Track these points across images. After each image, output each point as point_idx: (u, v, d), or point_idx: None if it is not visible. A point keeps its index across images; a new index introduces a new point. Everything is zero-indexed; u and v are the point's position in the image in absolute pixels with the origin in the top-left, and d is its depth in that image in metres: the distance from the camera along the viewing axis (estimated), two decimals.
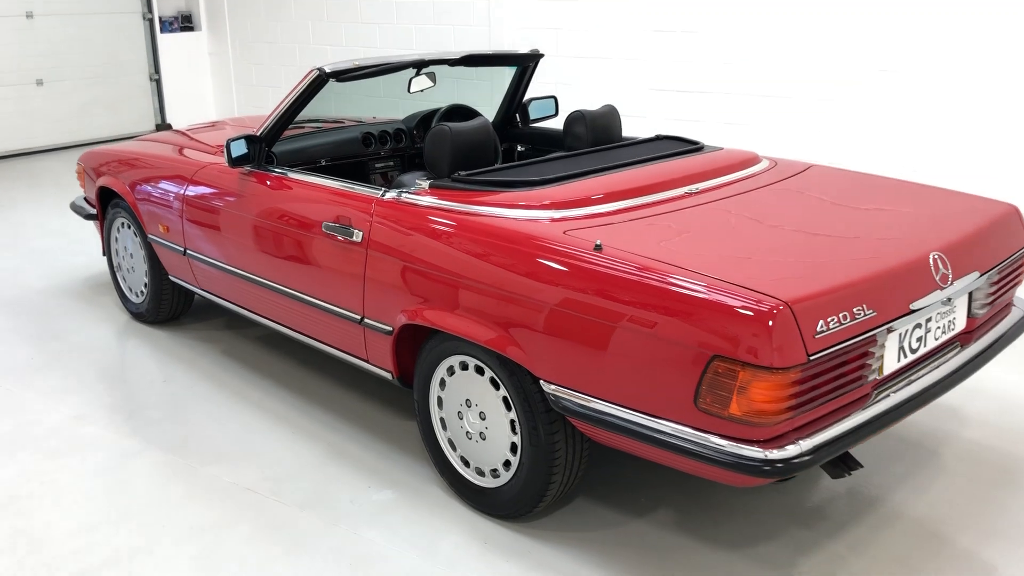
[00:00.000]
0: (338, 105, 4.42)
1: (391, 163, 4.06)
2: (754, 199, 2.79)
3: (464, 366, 2.66)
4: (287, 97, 3.26)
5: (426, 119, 4.12)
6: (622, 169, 2.92)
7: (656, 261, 2.19)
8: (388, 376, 2.93)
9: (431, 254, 2.62)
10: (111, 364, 3.86)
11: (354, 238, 2.85)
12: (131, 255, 4.19)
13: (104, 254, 4.43)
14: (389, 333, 2.80)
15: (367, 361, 3.00)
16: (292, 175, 3.26)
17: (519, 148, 4.24)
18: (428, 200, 2.75)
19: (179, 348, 3.97)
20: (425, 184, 2.83)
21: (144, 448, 3.13)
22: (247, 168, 3.38)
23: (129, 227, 4.14)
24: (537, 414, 2.44)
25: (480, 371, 2.60)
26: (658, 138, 3.46)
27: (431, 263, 2.60)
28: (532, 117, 4.29)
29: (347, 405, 3.42)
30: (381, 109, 5.03)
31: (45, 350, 3.99)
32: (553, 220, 2.50)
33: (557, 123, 4.35)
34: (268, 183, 3.29)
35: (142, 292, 4.19)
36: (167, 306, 4.12)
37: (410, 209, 2.75)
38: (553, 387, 2.34)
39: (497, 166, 2.98)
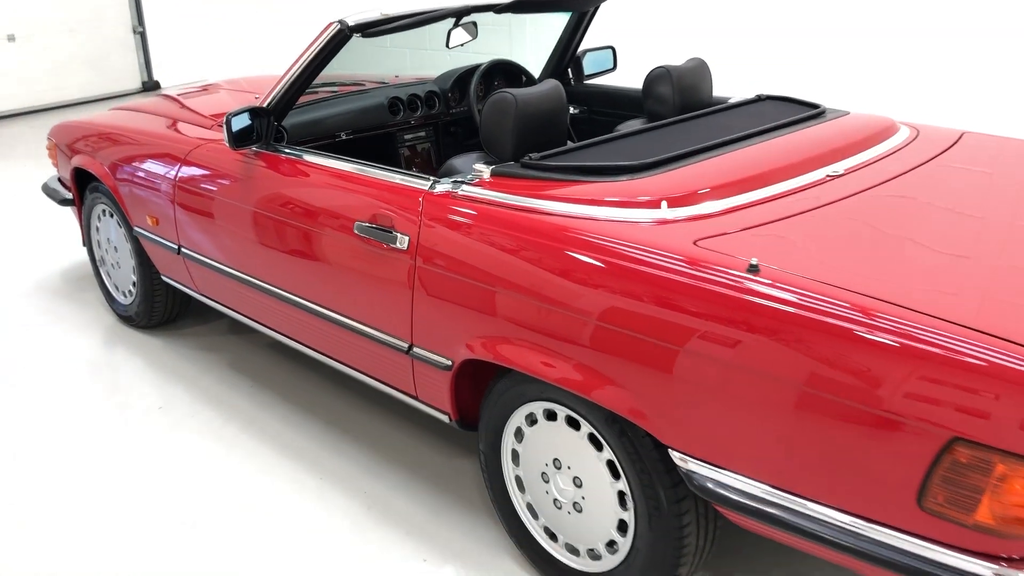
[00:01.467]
0: (354, 62, 3.71)
1: (422, 133, 3.38)
2: (923, 182, 2.13)
3: (551, 415, 2.02)
4: (300, 59, 2.57)
5: (462, 79, 3.44)
6: (735, 146, 2.25)
7: (849, 292, 1.54)
8: (444, 419, 2.30)
9: (504, 269, 1.96)
10: (93, 384, 3.22)
11: (398, 244, 2.19)
12: (116, 248, 3.53)
13: (84, 245, 3.77)
14: (447, 368, 2.16)
15: (415, 398, 2.37)
16: (309, 157, 2.59)
17: (572, 109, 3.54)
18: (493, 195, 2.08)
19: (177, 361, 3.33)
20: (486, 172, 2.17)
21: (132, 509, 2.51)
22: (253, 149, 2.71)
23: (112, 215, 3.47)
24: (660, 488, 1.81)
25: (574, 424, 1.97)
26: (762, 99, 2.78)
27: (505, 281, 1.95)
28: (587, 72, 3.61)
29: (386, 438, 2.79)
30: (400, 66, 4.33)
31: (10, 363, 3.35)
32: (671, 223, 1.85)
33: (614, 79, 3.66)
34: (280, 169, 2.62)
35: (130, 292, 3.54)
36: (161, 308, 3.48)
37: (471, 207, 2.09)
38: (691, 462, 1.71)
39: (574, 145, 2.31)
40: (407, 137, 3.33)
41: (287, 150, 2.66)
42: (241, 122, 2.60)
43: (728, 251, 1.70)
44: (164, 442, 2.81)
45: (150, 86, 8.70)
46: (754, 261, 1.64)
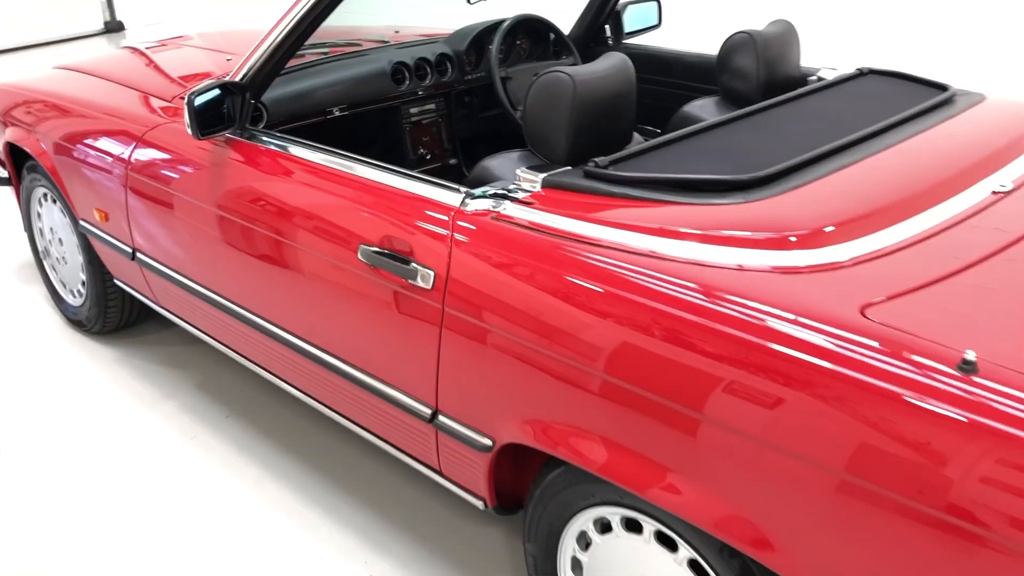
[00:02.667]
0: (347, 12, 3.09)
1: (431, 106, 2.79)
2: None
3: (631, 525, 1.49)
4: (285, 19, 1.97)
5: (480, 39, 2.83)
6: (862, 147, 1.69)
7: None
8: (478, 504, 1.76)
9: (572, 325, 1.41)
10: (25, 416, 2.66)
11: (419, 281, 1.63)
12: (60, 241, 2.94)
13: (26, 231, 3.17)
14: (486, 449, 1.62)
15: (438, 472, 1.83)
16: (296, 151, 2.00)
17: None
18: (550, 219, 1.53)
19: (134, 379, 2.77)
20: (536, 180, 1.61)
21: None
22: (225, 135, 2.12)
23: (55, 201, 2.87)
24: None
25: (668, 543, 1.44)
26: (865, 73, 2.20)
27: (580, 349, 1.40)
28: (627, 30, 3.02)
29: (394, 492, 2.26)
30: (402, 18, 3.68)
31: None
32: (812, 272, 1.30)
33: (656, 37, 3.07)
34: (259, 164, 2.03)
35: (79, 292, 2.95)
36: (116, 314, 2.90)
37: (521, 236, 1.53)
38: None
39: (648, 143, 1.75)
40: (412, 111, 2.73)
41: (268, 139, 2.07)
42: (207, 102, 2.00)
43: (923, 331, 1.16)
44: (117, 502, 2.27)
45: (113, 27, 7.94)
46: (970, 355, 1.09)
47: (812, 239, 1.35)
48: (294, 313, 1.99)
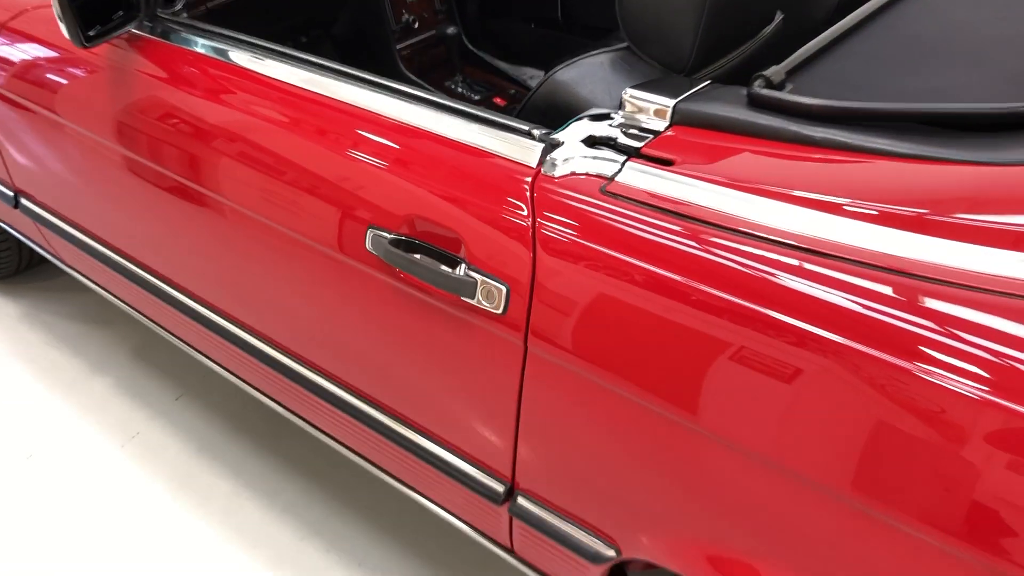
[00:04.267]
0: None
1: None
2: None
3: None
4: None
5: None
6: None
7: None
8: None
9: (786, 412, 0.79)
10: None
11: (480, 299, 0.98)
12: None
13: None
14: (598, 559, 1.02)
15: (508, 551, 1.23)
16: (239, 58, 1.27)
17: None
18: (701, 192, 0.87)
19: (49, 346, 2.10)
20: (663, 108, 0.94)
21: None
22: (128, 31, 1.36)
23: None
24: None
25: None
26: None
27: (794, 455, 0.79)
28: None
29: (411, 535, 1.67)
30: None
31: None
32: None
33: None
34: (184, 81, 1.30)
35: None
36: (12, 259, 2.19)
37: (655, 230, 0.87)
38: None
39: (822, 40, 1.07)
40: None
41: (195, 37, 1.33)
42: None
43: None
44: (29, 525, 1.65)
45: None
46: None
47: None
48: (260, 310, 1.33)
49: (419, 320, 1.07)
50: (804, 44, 1.08)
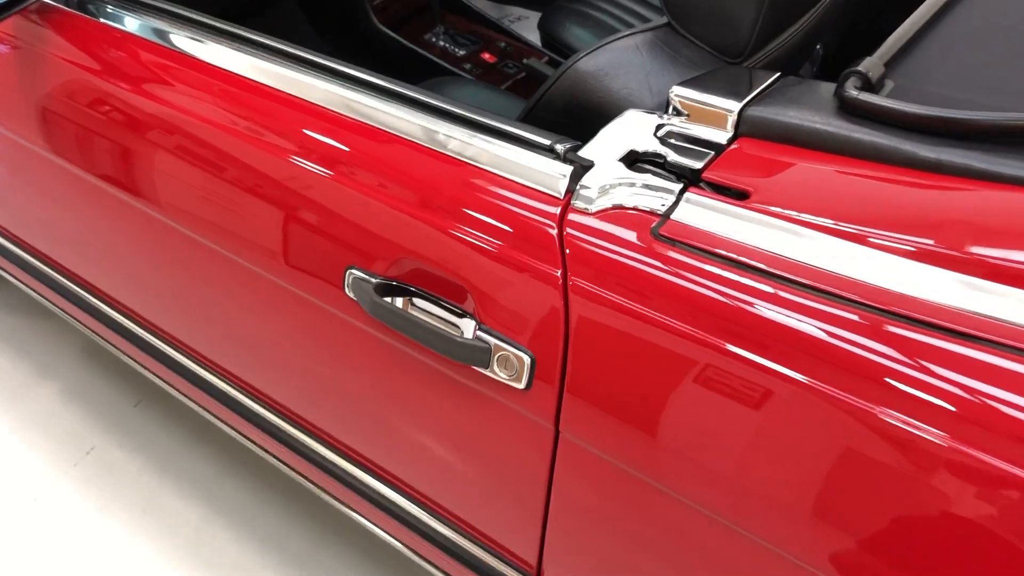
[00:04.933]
0: None
1: None
2: None
3: None
4: None
5: None
6: None
7: None
8: None
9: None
10: None
11: (496, 370, 0.76)
12: None
13: None
14: None
15: None
16: (183, 43, 1.02)
17: None
18: (786, 247, 0.66)
19: None
20: (724, 114, 0.72)
21: None
22: (36, 2, 1.11)
23: None
24: None
25: None
26: None
27: None
28: None
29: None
30: None
31: None
32: None
33: None
34: (111, 68, 1.05)
35: None
36: None
37: (725, 287, 0.67)
38: None
39: (904, 27, 0.84)
40: None
41: (128, 15, 1.07)
42: None
43: None
44: None
45: None
46: None
47: None
48: (211, 340, 1.11)
49: (413, 381, 0.85)
50: (865, 11, 0.86)
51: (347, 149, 0.84)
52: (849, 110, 0.71)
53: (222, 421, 1.28)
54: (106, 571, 1.45)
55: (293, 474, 1.23)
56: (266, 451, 1.22)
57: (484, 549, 0.94)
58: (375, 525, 1.12)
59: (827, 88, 0.75)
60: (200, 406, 1.32)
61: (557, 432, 0.76)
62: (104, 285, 1.26)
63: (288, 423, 1.10)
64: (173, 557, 1.47)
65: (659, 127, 0.76)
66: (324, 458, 1.08)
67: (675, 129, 0.75)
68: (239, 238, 0.94)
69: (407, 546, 1.09)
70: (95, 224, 1.17)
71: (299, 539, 1.50)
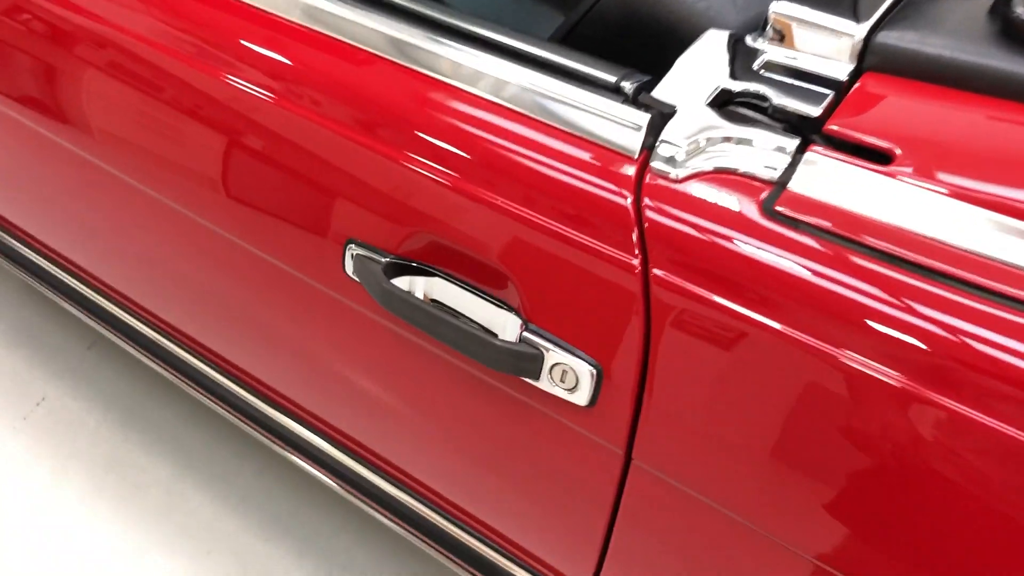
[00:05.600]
0: None
1: None
2: None
3: None
4: None
5: None
6: None
7: None
8: None
9: None
10: None
11: (556, 383, 0.59)
12: None
13: None
14: None
15: None
16: None
17: None
18: (953, 235, 0.50)
19: None
20: (855, 39, 0.56)
21: None
22: None
23: None
24: None
25: None
26: None
27: None
28: None
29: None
30: None
31: None
32: None
33: None
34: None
35: None
36: None
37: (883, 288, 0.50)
38: None
39: None
40: None
41: None
42: None
43: None
44: None
45: None
46: None
47: None
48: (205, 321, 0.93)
49: (438, 384, 0.68)
50: None
51: (351, 87, 0.65)
52: (1019, 36, 0.53)
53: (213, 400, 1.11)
54: (66, 543, 1.30)
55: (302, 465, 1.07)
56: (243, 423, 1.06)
57: (521, 566, 0.79)
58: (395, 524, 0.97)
59: (981, 4, 0.57)
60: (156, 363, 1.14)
61: (628, 459, 0.59)
62: (42, 235, 1.06)
63: (292, 419, 0.94)
64: (142, 521, 1.32)
65: (753, 54, 0.57)
66: (335, 460, 0.92)
67: (776, 59, 0.56)
68: (178, 170, 0.74)
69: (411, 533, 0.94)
70: (25, 161, 0.96)
71: (281, 498, 1.35)
